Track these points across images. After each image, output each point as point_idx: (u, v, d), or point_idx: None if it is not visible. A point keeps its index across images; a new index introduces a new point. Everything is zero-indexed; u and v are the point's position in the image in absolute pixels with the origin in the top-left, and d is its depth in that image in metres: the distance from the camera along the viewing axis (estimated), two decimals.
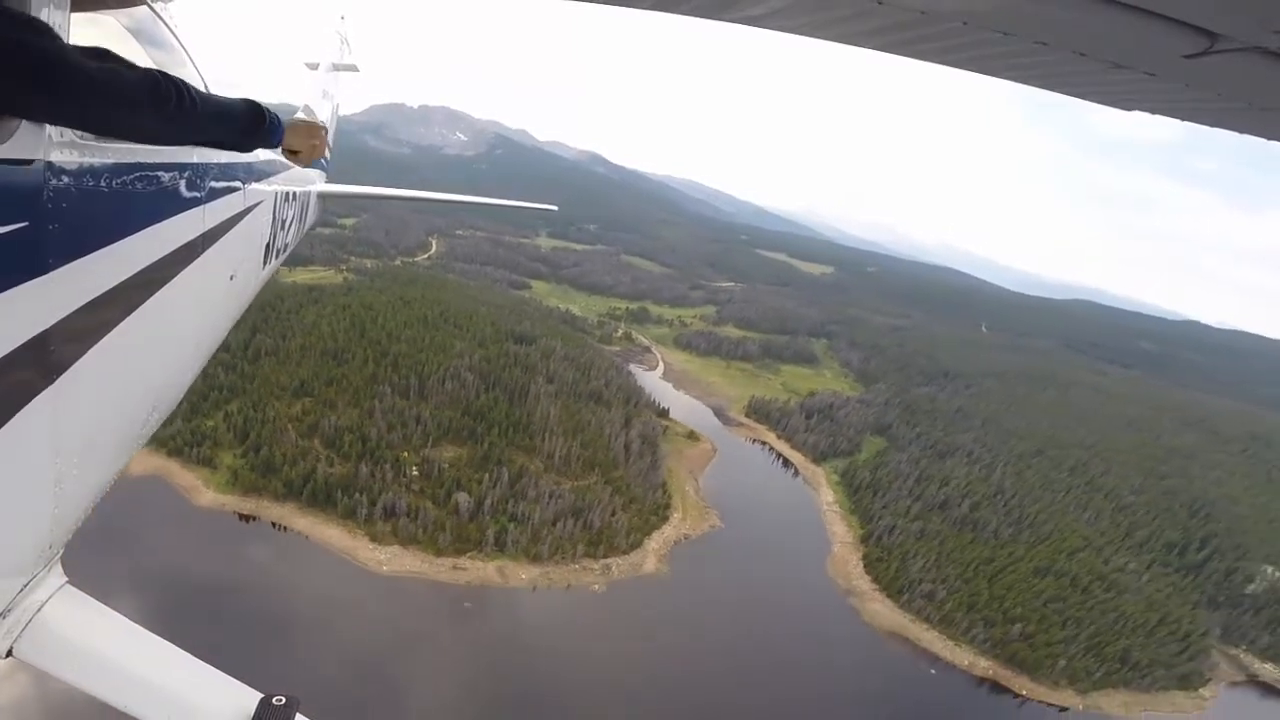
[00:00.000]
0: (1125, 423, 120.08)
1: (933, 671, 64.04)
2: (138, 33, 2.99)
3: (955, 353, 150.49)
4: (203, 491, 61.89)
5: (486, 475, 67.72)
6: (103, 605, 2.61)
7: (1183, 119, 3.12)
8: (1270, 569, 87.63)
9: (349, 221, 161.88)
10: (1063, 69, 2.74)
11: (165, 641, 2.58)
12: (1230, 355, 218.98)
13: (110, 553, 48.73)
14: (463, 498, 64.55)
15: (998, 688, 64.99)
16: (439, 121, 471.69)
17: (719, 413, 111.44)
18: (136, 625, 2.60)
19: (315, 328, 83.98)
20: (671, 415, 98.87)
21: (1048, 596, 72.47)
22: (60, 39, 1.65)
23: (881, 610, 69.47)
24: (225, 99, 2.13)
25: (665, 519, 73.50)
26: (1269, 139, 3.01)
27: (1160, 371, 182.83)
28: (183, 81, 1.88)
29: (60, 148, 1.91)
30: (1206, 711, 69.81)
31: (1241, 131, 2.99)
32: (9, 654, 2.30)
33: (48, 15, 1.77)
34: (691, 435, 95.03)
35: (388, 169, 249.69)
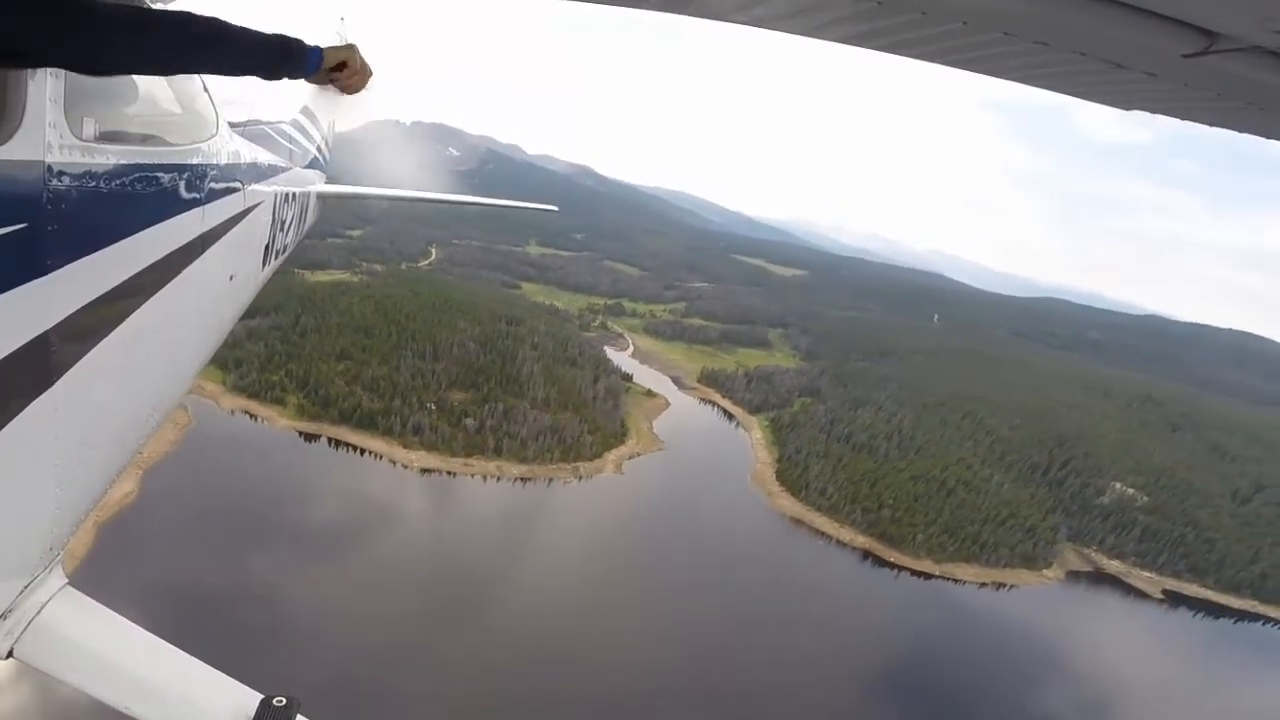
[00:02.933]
0: (1028, 386, 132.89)
1: (820, 542, 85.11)
2: None
3: (899, 337, 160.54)
4: (278, 420, 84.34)
5: (486, 408, 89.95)
6: (103, 607, 2.63)
7: (1182, 118, 3.19)
8: (1119, 485, 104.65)
9: (356, 232, 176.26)
10: (1063, 69, 2.80)
11: (165, 643, 2.61)
12: (1182, 344, 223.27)
13: (241, 448, 74.31)
14: (469, 421, 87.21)
15: (876, 559, 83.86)
16: (432, 138, 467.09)
17: (676, 380, 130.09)
18: (137, 626, 2.63)
19: (347, 311, 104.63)
20: (635, 381, 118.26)
21: (916, 494, 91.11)
22: None
23: (786, 503, 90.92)
24: (252, 29, 2.17)
25: (623, 442, 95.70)
26: (1268, 138, 3.10)
27: (1101, 356, 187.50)
28: (206, 14, 1.93)
29: (60, 149, 1.96)
30: (1050, 586, 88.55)
31: (1241, 130, 3.05)
32: (9, 655, 2.31)
33: None
34: (649, 393, 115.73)
35: (383, 185, 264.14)
